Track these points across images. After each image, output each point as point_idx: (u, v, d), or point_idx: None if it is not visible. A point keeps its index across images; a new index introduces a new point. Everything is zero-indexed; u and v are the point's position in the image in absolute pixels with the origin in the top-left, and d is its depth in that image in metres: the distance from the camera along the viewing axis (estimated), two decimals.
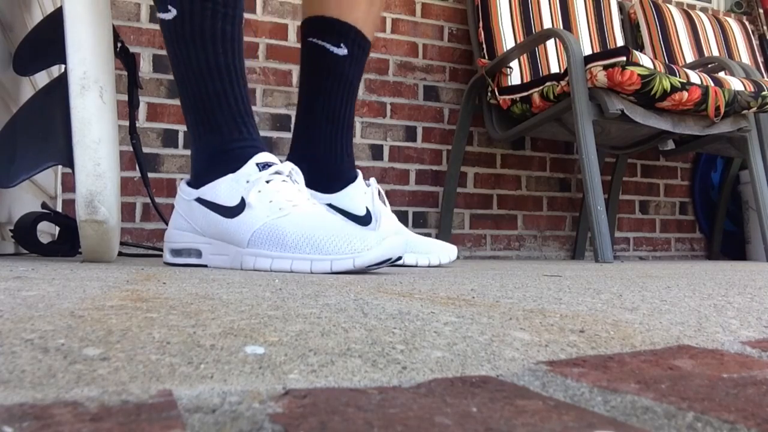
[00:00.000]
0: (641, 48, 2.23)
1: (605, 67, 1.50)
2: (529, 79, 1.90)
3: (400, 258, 0.76)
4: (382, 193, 1.09)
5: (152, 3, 1.72)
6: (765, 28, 2.53)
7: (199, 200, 0.86)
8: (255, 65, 1.83)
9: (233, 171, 0.83)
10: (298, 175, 0.86)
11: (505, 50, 1.91)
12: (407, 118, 2.02)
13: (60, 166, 1.24)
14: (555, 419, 0.19)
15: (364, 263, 0.73)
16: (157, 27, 1.73)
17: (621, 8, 2.25)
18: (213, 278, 0.58)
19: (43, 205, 1.08)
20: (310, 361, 0.24)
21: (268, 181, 0.82)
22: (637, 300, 0.47)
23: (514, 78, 1.89)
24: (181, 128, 1.73)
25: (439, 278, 0.67)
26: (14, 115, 0.93)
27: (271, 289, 0.48)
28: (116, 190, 0.84)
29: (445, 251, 1.10)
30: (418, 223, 2.00)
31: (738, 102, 1.66)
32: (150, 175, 1.61)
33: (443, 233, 1.96)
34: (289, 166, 0.85)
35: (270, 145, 1.82)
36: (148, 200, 1.66)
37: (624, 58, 1.48)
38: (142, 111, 1.71)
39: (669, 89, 1.54)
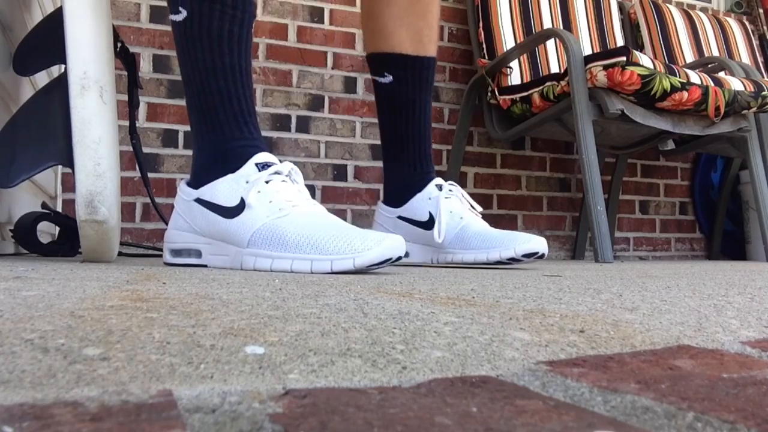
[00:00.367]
0: (641, 48, 2.22)
1: (605, 67, 1.50)
2: (529, 79, 1.90)
3: (400, 258, 0.76)
4: (465, 195, 1.18)
5: (152, 3, 1.73)
6: (765, 28, 2.53)
7: (199, 201, 0.86)
8: (255, 65, 1.83)
9: (233, 171, 0.83)
10: (298, 175, 0.87)
11: (505, 50, 1.91)
12: None
13: (60, 166, 1.24)
14: (555, 419, 0.19)
15: (364, 263, 0.73)
16: (157, 27, 1.73)
17: (621, 8, 2.25)
18: (213, 278, 0.58)
19: (43, 205, 1.08)
20: (310, 361, 0.24)
21: (267, 182, 0.82)
22: (637, 300, 0.47)
23: (514, 78, 1.89)
24: (181, 128, 1.73)
25: (439, 278, 0.67)
26: (14, 115, 0.93)
27: (271, 289, 0.48)
28: (116, 190, 0.84)
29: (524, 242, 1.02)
30: None
31: (738, 102, 1.66)
32: (150, 175, 1.61)
33: None
34: (289, 166, 0.85)
35: (270, 145, 1.82)
36: (148, 200, 1.66)
37: (624, 58, 1.48)
38: (142, 111, 1.71)
39: (669, 89, 1.54)
